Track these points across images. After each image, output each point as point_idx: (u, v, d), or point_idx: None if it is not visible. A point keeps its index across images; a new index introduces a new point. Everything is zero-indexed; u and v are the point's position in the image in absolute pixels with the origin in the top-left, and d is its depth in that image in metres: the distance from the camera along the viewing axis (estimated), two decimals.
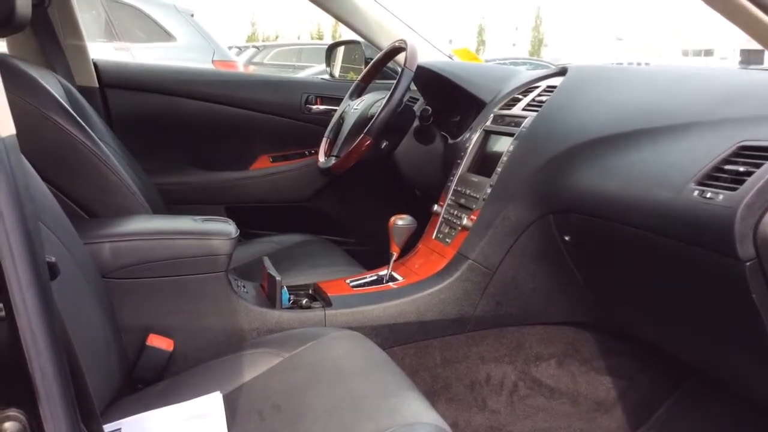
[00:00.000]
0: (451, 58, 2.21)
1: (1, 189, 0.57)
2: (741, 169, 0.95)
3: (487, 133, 1.68)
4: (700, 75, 1.38)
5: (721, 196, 0.94)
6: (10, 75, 1.46)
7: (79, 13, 2.19)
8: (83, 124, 1.53)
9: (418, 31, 2.18)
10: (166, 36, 5.65)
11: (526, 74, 1.83)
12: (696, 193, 0.98)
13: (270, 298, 1.46)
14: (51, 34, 2.06)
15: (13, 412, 0.61)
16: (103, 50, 4.83)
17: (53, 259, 0.66)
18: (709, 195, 0.96)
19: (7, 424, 0.61)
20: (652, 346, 1.40)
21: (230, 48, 8.78)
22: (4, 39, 2.02)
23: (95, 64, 2.26)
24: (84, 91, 1.99)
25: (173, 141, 2.40)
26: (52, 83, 1.60)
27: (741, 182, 0.93)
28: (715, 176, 0.99)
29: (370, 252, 1.98)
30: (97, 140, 1.56)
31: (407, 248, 1.65)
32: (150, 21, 5.63)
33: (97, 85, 2.25)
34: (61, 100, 1.52)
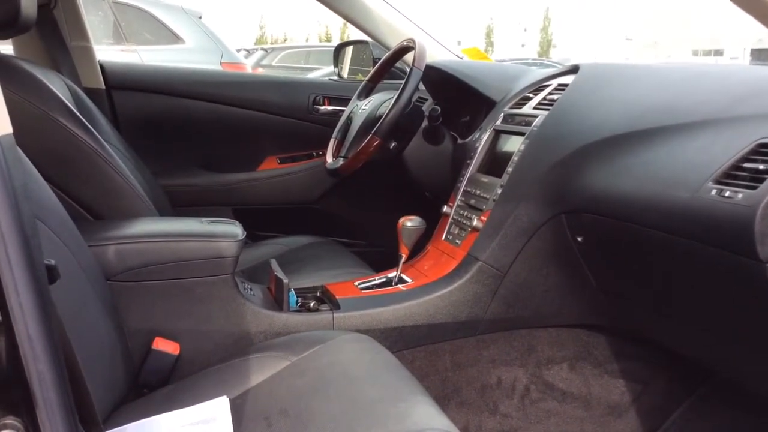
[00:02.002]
0: (460, 57, 2.18)
1: None
2: (761, 167, 0.92)
3: (498, 133, 1.66)
4: (714, 72, 1.35)
5: (740, 195, 0.92)
6: (16, 76, 1.45)
7: (85, 14, 2.19)
8: (89, 126, 1.52)
9: (427, 30, 2.16)
10: (174, 38, 5.65)
11: (536, 73, 1.81)
12: (714, 192, 0.96)
13: (277, 301, 1.44)
14: (57, 36, 2.06)
15: (10, 419, 0.59)
16: (110, 53, 4.83)
17: (52, 262, 0.65)
18: (727, 194, 0.94)
19: None
20: (667, 349, 1.38)
21: (239, 50, 8.79)
22: (10, 40, 2.02)
23: (101, 66, 2.25)
24: (90, 92, 1.98)
25: (180, 143, 2.39)
26: (57, 85, 1.59)
27: (761, 180, 0.90)
28: (733, 175, 0.96)
29: (379, 254, 1.96)
30: (103, 142, 1.55)
31: (416, 250, 1.63)
32: (158, 23, 5.63)
33: (104, 87, 2.24)
34: (66, 102, 1.51)
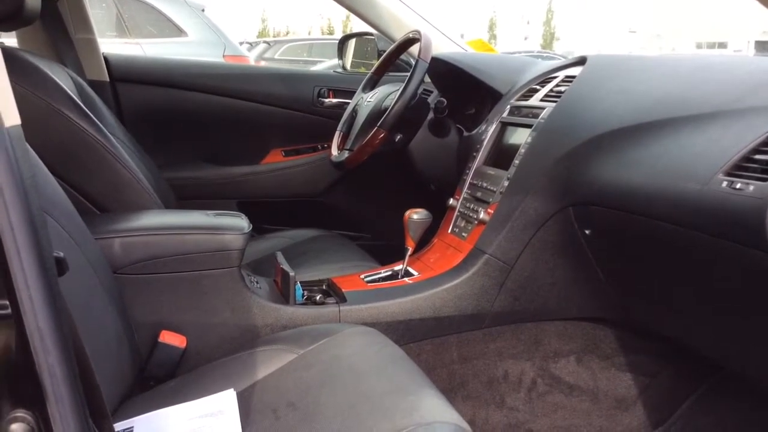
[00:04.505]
0: (465, 49, 2.17)
1: (5, 181, 0.55)
2: None
3: (504, 125, 1.65)
4: (723, 63, 1.34)
5: (751, 187, 0.91)
6: (20, 69, 1.44)
7: (89, 7, 2.18)
8: (94, 118, 1.51)
9: (432, 22, 2.14)
10: (177, 31, 5.64)
11: (543, 64, 1.80)
12: (724, 184, 0.95)
13: (284, 294, 1.44)
14: (61, 28, 2.05)
15: (20, 413, 0.59)
16: (113, 46, 4.82)
17: (61, 254, 0.64)
18: (738, 186, 0.93)
19: (15, 426, 0.58)
20: (674, 342, 1.37)
21: (241, 44, 8.77)
22: (14, 33, 2.01)
23: (106, 58, 2.25)
24: (94, 85, 1.97)
25: (184, 135, 2.39)
26: (62, 77, 1.58)
27: None
28: (744, 167, 0.95)
29: (385, 247, 1.96)
30: (108, 135, 1.54)
31: (422, 243, 1.63)
32: (161, 16, 5.62)
33: (108, 79, 2.24)
34: (71, 94, 1.50)
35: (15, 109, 0.60)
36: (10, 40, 2.18)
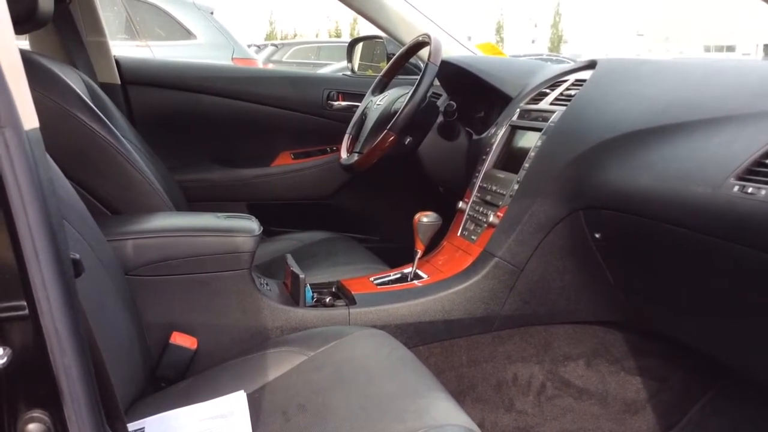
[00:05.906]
0: (474, 53, 2.18)
1: (24, 183, 0.55)
2: None
3: (513, 129, 1.65)
4: (735, 67, 1.34)
5: (763, 192, 0.91)
6: (33, 71, 1.45)
7: (100, 9, 2.19)
8: (106, 121, 1.52)
9: (441, 25, 2.15)
10: (186, 34, 5.66)
11: (552, 68, 1.80)
12: (736, 188, 0.95)
13: (293, 296, 1.44)
14: (73, 31, 2.07)
15: (37, 413, 0.59)
16: (124, 49, 4.84)
17: (77, 256, 0.65)
18: (750, 190, 0.93)
19: (31, 426, 0.59)
20: (684, 346, 1.37)
21: (249, 46, 8.79)
22: (27, 35, 2.02)
23: (117, 61, 2.26)
24: (106, 87, 1.99)
25: (195, 138, 2.40)
26: (74, 80, 1.59)
27: None
28: (756, 171, 0.95)
29: (394, 250, 1.96)
30: (120, 137, 1.55)
31: (431, 246, 1.63)
32: (170, 19, 5.65)
33: (119, 82, 2.25)
34: (83, 97, 1.51)
35: (33, 112, 0.60)
36: (22, 42, 2.19)
